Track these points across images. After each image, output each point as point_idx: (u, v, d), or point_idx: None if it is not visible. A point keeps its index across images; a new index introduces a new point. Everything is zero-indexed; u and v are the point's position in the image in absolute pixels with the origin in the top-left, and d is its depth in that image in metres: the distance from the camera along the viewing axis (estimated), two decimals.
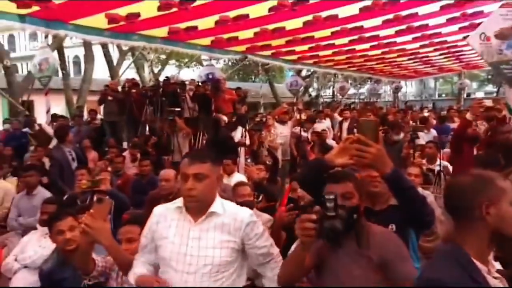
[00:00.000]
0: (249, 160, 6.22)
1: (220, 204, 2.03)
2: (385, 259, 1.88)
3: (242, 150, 6.67)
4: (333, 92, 22.40)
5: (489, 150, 4.00)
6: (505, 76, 5.02)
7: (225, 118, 7.95)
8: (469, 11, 8.11)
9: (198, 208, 2.00)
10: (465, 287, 1.34)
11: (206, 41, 9.00)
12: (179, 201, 2.06)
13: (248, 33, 8.56)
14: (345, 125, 9.78)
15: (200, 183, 1.95)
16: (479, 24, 6.57)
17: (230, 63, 23.32)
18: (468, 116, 4.21)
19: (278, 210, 3.33)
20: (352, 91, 22.37)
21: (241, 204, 2.28)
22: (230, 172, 5.12)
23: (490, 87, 37.01)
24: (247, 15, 7.19)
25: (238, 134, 6.98)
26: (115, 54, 17.15)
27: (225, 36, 8.65)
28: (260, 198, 3.79)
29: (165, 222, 2.05)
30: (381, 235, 1.97)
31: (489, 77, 32.46)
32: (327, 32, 9.05)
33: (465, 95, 23.25)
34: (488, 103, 4.94)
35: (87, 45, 14.10)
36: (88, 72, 14.89)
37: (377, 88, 19.19)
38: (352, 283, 1.88)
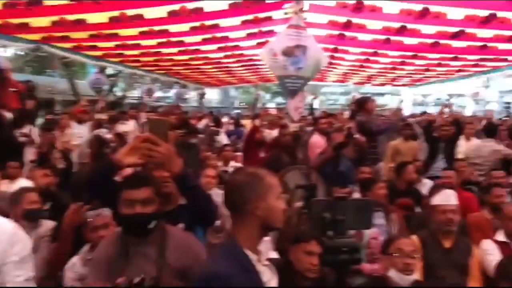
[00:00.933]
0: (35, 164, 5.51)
1: None
2: (185, 265, 1.87)
3: (30, 151, 5.88)
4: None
5: (273, 151, 4.56)
6: (287, 88, 5.82)
7: (9, 114, 6.86)
8: (264, 28, 9.09)
9: None
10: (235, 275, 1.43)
11: None
12: None
13: (43, 21, 7.65)
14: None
15: None
16: None
17: (24, 53, 20.28)
18: (257, 122, 4.73)
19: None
20: (159, 94, 22.36)
21: (29, 212, 1.98)
22: (14, 177, 4.48)
23: (280, 99, 42.29)
24: (40, 1, 6.42)
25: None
26: None
27: (15, 21, 7.53)
28: (48, 206, 3.38)
29: None
30: (182, 241, 1.96)
31: (280, 89, 37.06)
32: (134, 31, 8.83)
33: (260, 105, 25.99)
34: (273, 112, 5.71)
35: None
36: None
37: (184, 93, 19.71)
38: None
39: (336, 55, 11.68)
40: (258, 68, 15.42)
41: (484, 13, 6.87)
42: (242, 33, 9.48)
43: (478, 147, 5.78)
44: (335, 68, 14.93)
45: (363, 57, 12.09)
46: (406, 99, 18.88)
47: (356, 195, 4.79)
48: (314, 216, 1.37)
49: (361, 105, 6.05)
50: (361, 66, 13.86)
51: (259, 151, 5.15)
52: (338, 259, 1.31)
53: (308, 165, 4.27)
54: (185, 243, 1.96)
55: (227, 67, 15.09)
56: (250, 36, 9.57)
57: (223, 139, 8.15)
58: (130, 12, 7.39)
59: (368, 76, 17.21)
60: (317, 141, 5.16)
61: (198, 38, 9.76)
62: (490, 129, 6.04)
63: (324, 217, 1.35)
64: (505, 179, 4.71)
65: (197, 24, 8.44)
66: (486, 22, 7.01)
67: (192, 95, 24.00)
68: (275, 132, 6.62)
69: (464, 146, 6.00)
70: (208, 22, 8.41)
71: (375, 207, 3.82)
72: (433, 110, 18.07)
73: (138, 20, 7.65)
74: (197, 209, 2.01)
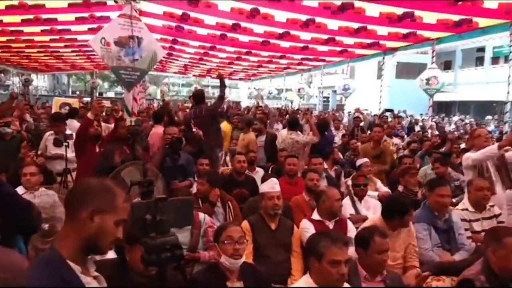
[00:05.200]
0: None
1: None
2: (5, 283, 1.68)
3: None
4: None
5: (108, 147, 4.35)
6: (124, 80, 5.60)
7: None
8: (97, 14, 8.51)
9: None
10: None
11: None
12: None
13: None
14: None
15: None
16: None
17: None
18: (89, 115, 4.43)
19: None
20: None
21: None
22: None
23: (119, 88, 40.32)
24: None
25: None
26: None
27: None
28: None
29: None
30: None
31: None
32: None
33: (97, 94, 24.38)
34: (107, 104, 5.44)
35: None
36: None
37: (3, 79, 17.20)
38: None
39: (176, 47, 11.69)
40: (93, 55, 14.42)
41: (304, 17, 7.73)
42: (70, 17, 8.71)
43: (284, 138, 6.53)
44: (176, 60, 14.94)
45: (202, 51, 12.38)
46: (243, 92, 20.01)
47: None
48: (136, 218, 1.40)
49: (198, 98, 6.32)
50: (201, 59, 14.18)
51: (94, 146, 4.86)
52: (161, 258, 1.37)
53: (146, 160, 4.23)
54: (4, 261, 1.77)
55: (56, 52, 13.69)
56: (79, 20, 8.85)
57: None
58: None
59: (207, 70, 17.71)
60: (157, 134, 5.14)
61: (17, 18, 8.61)
62: (292, 122, 6.81)
63: (145, 219, 1.39)
64: (322, 165, 5.45)
65: (15, 2, 7.44)
66: (305, 26, 7.92)
67: (14, 81, 21.12)
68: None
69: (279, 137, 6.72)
70: (30, 2, 7.49)
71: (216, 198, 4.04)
72: (267, 103, 19.62)
73: None
74: (15, 218, 1.83)
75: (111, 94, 39.70)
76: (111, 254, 2.95)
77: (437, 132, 11.38)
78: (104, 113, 7.59)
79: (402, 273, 3.30)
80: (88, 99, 16.60)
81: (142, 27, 5.63)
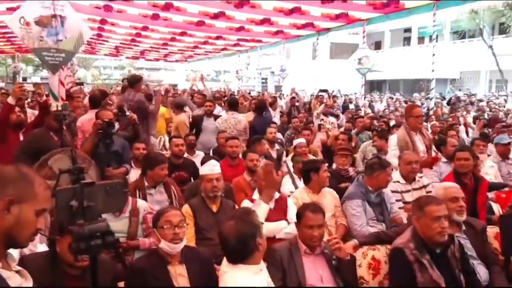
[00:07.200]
0: None
1: None
2: None
3: None
4: None
5: (33, 134, 4.05)
6: (47, 63, 5.20)
7: None
8: None
9: None
10: None
11: None
12: None
13: None
14: None
15: None
16: None
17: None
18: (10, 100, 4.07)
19: None
20: None
21: None
22: None
23: (45, 72, 37.70)
24: None
25: None
26: None
27: None
28: None
29: None
30: None
31: None
32: None
33: (20, 79, 22.68)
34: (29, 88, 5.02)
35: None
36: None
37: None
38: None
39: (105, 27, 11.09)
40: (12, 38, 13.32)
41: None
42: None
43: (226, 119, 6.67)
44: (106, 41, 14.20)
45: (134, 31, 11.86)
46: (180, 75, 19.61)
47: (134, 172, 4.79)
48: (61, 206, 1.29)
49: (132, 83, 6.08)
50: (133, 41, 13.60)
51: (17, 134, 4.49)
52: (91, 245, 1.28)
53: (74, 146, 3.99)
54: None
55: None
56: None
57: None
58: None
59: (140, 51, 17.05)
60: (88, 120, 4.85)
61: None
62: (232, 103, 7.08)
63: (71, 206, 1.29)
64: (264, 146, 5.47)
65: None
66: (240, 6, 7.84)
67: None
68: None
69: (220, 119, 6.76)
70: None
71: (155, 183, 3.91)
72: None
73: None
74: None
75: (36, 79, 37.03)
76: (42, 248, 2.78)
77: (369, 110, 11.90)
78: (29, 99, 7.06)
79: (335, 231, 3.71)
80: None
81: (65, 5, 5.23)
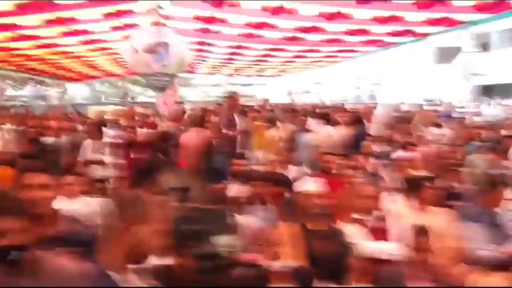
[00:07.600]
0: None
1: None
2: None
3: None
4: None
5: (147, 153, 4.39)
6: (154, 85, 5.66)
7: None
8: (125, 20, 8.62)
9: None
10: None
11: None
12: None
13: None
14: None
15: None
16: None
17: None
18: (122, 122, 4.46)
19: None
20: (12, 92, 19.94)
21: None
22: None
23: (151, 92, 40.71)
24: None
25: None
26: None
27: None
28: None
29: None
30: None
31: None
32: None
33: (130, 99, 24.95)
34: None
35: None
36: None
37: (41, 90, 17.90)
38: None
39: (203, 48, 11.73)
40: (123, 61, 14.67)
41: (330, 9, 7.59)
42: (105, 26, 8.90)
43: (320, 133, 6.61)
44: (203, 60, 14.99)
45: (230, 50, 12.37)
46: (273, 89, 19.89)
47: (234, 188, 4.91)
48: (177, 231, 1.38)
49: (227, 101, 6.33)
50: (229, 59, 14.18)
51: (129, 151, 4.93)
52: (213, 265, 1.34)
53: (180, 164, 4.25)
54: None
55: (89, 60, 14.06)
56: (113, 28, 9.04)
57: None
58: None
59: (236, 68, 17.71)
60: (189, 138, 5.15)
61: (53, 31, 8.90)
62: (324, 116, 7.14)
63: (184, 230, 1.36)
64: None
65: (52, 17, 7.69)
66: (331, 18, 7.79)
67: (52, 91, 21.85)
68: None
69: None
70: (63, 15, 7.71)
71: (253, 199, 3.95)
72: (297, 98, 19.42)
73: None
74: None
75: (143, 98, 40.19)
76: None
77: (478, 118, 10.90)
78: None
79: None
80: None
81: (168, 31, 5.66)
